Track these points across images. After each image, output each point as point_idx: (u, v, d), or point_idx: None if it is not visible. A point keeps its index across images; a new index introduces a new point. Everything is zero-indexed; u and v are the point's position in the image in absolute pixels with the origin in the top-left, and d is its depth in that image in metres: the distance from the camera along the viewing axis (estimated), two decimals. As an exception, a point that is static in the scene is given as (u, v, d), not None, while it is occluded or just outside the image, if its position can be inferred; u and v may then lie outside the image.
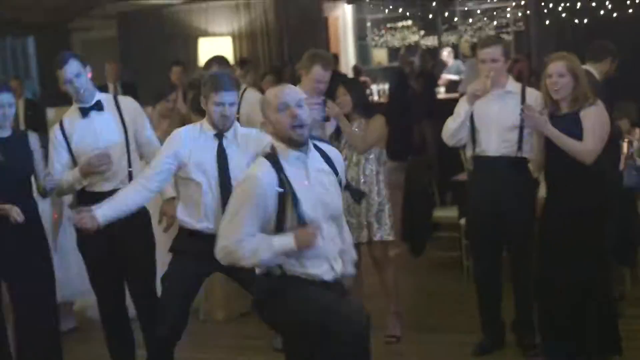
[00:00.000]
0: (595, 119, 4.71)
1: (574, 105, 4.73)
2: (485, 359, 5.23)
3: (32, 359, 4.91)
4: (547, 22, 11.88)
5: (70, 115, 4.92)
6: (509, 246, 5.30)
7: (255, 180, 3.58)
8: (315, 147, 3.72)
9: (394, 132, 5.84)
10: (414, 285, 6.87)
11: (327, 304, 3.59)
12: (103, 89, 5.98)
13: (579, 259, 4.73)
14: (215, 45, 12.84)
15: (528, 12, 13.19)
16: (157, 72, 11.34)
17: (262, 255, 3.56)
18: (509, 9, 16.09)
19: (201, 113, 6.04)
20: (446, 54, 15.33)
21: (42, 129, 7.24)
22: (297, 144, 3.59)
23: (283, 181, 3.55)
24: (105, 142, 4.83)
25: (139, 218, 4.83)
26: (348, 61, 16.16)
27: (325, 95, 5.53)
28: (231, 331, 6.17)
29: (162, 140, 5.24)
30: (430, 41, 17.09)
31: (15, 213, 4.60)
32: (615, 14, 11.37)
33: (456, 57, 15.62)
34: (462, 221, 6.69)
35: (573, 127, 4.69)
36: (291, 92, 3.65)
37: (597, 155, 4.70)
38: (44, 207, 5.50)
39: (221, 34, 13.51)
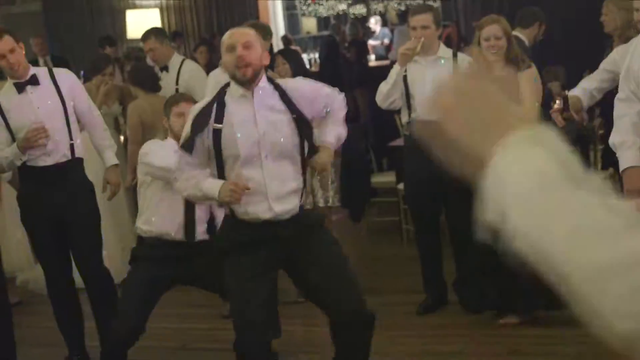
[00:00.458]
0: (530, 82, 4.86)
1: (507, 67, 4.87)
2: (429, 317, 5.39)
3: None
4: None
5: (6, 92, 4.86)
6: (447, 207, 5.44)
7: (194, 111, 3.74)
8: (276, 86, 3.76)
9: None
10: (354, 250, 6.96)
11: (237, 301, 3.77)
12: (33, 64, 5.91)
13: None
14: (143, 18, 12.69)
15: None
16: (86, 46, 11.23)
17: (190, 191, 3.74)
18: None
19: (140, 85, 6.06)
20: (374, 22, 15.43)
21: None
22: (242, 83, 3.67)
23: (220, 117, 3.64)
24: (43, 116, 4.79)
25: (82, 188, 4.85)
26: (277, 31, 16.12)
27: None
28: (177, 300, 6.16)
29: (102, 113, 5.25)
30: (359, 10, 17.15)
31: None
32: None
33: (384, 24, 15.73)
34: (400, 186, 6.81)
35: None
36: (239, 34, 3.72)
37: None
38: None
39: (149, 6, 13.38)
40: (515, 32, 5.62)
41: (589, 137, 6.24)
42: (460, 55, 5.27)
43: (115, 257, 6.07)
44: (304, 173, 3.78)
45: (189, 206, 4.40)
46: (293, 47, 14.13)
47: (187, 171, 3.73)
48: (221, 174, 3.69)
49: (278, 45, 13.69)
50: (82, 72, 6.65)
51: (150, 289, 4.51)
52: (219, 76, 5.57)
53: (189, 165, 3.72)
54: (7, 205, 6.15)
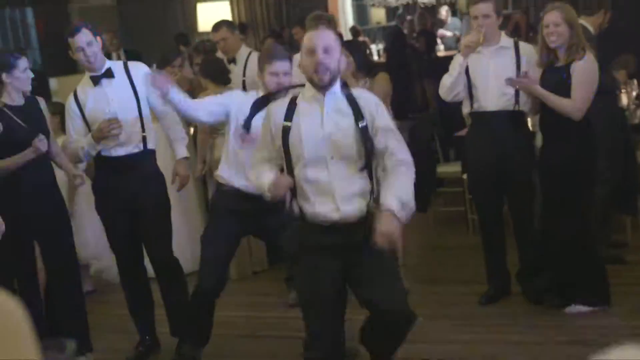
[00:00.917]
0: (583, 74, 4.83)
1: (569, 54, 4.85)
2: (491, 307, 5.42)
3: (62, 317, 5.10)
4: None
5: (83, 85, 5.05)
6: (510, 199, 5.45)
7: (269, 111, 3.83)
8: (349, 92, 3.75)
9: (393, 90, 5.95)
10: (420, 240, 7.02)
11: (308, 314, 3.86)
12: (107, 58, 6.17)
13: (566, 210, 4.93)
14: (213, 10, 12.85)
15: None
16: (157, 39, 11.45)
17: (257, 182, 3.81)
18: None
19: (210, 77, 6.18)
20: (444, 12, 15.35)
21: (47, 98, 7.37)
22: (317, 87, 3.68)
23: (290, 115, 3.70)
24: (117, 108, 4.96)
25: (154, 178, 5.02)
26: (346, 22, 16.15)
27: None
28: (244, 289, 6.34)
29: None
30: (428, -1, 17.07)
31: (40, 143, 4.72)
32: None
33: (454, 14, 15.63)
34: (466, 176, 6.82)
35: (568, 78, 4.84)
36: (320, 38, 3.68)
37: (584, 112, 4.85)
38: (59, 174, 5.65)
39: (219, -1, 13.54)
40: (579, 20, 5.59)
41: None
42: (522, 43, 5.27)
43: (184, 248, 6.20)
44: (369, 176, 3.70)
45: None
46: (361, 38, 14.21)
47: (258, 166, 3.83)
48: (290, 174, 3.73)
49: (347, 36, 13.76)
50: (154, 65, 6.83)
51: (229, 241, 4.73)
52: None
53: (261, 161, 3.83)
54: (83, 195, 6.34)
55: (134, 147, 4.99)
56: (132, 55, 10.06)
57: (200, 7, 13.22)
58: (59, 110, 5.77)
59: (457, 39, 14.29)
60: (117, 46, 10.55)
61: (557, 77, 4.84)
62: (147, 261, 5.27)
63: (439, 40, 13.89)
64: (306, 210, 3.72)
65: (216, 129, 6.23)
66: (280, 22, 13.39)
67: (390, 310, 3.79)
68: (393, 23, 15.18)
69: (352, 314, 4.02)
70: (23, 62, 4.81)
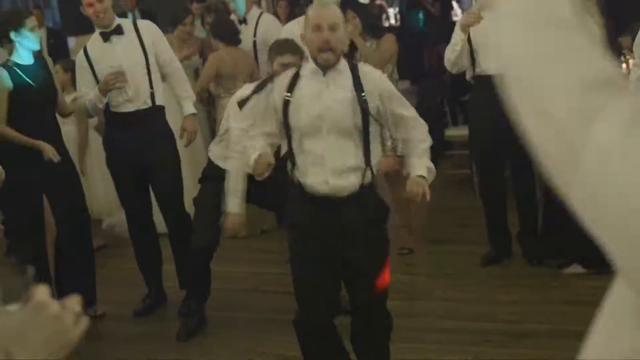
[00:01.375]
0: None
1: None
2: (491, 268, 5.53)
3: (71, 272, 5.23)
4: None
5: (93, 40, 5.16)
6: (511, 161, 5.53)
7: (274, 84, 3.89)
8: (353, 70, 3.75)
9: (406, 54, 6.03)
10: (427, 201, 7.06)
11: (297, 280, 3.86)
12: (122, 16, 6.27)
13: None
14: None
15: None
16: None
17: (244, 157, 3.87)
18: None
19: (221, 38, 6.25)
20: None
21: (65, 57, 7.48)
22: (321, 67, 3.70)
23: (291, 88, 3.74)
24: (125, 64, 5.06)
25: (163, 134, 5.13)
26: (364, -15, 16.13)
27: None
28: (253, 246, 6.48)
29: (183, 64, 5.47)
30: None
31: (51, 153, 4.82)
32: None
33: (472, -21, 15.52)
34: (472, 139, 6.88)
35: None
36: (327, 14, 3.66)
37: None
38: (69, 129, 5.77)
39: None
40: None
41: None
42: None
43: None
44: (366, 155, 3.72)
45: None
46: (378, 1, 14.17)
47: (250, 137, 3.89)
48: (289, 145, 3.78)
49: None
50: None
51: (220, 202, 4.80)
52: (292, 30, 5.73)
53: (260, 135, 3.85)
54: (94, 152, 6.46)
55: (142, 103, 5.10)
56: (146, 14, 10.12)
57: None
58: (70, 67, 5.87)
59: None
60: (132, 5, 10.59)
61: None
62: (156, 216, 5.40)
63: (455, 5, 13.84)
64: (300, 180, 3.77)
65: (226, 89, 6.34)
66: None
67: (367, 313, 3.89)
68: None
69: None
70: (31, 21, 4.90)
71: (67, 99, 5.47)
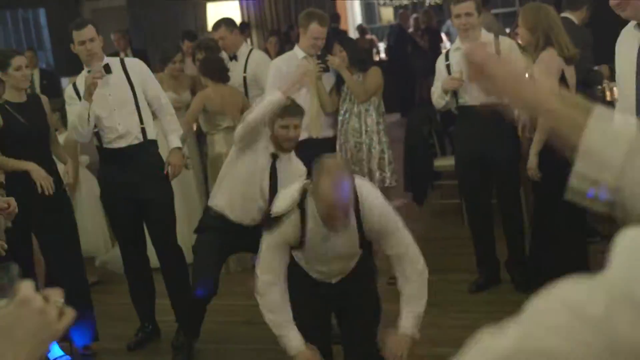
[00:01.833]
0: (545, 65, 4.93)
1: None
2: (480, 294, 5.60)
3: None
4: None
5: (81, 79, 5.23)
6: (497, 190, 5.62)
7: (281, 231, 3.85)
8: (357, 211, 3.83)
9: (394, 86, 6.14)
10: (416, 231, 7.02)
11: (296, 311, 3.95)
12: (114, 56, 6.45)
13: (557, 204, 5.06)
14: (223, 9, 13.06)
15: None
16: (167, 38, 11.61)
17: (280, 339, 3.98)
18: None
19: (210, 76, 6.36)
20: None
21: (58, 97, 7.58)
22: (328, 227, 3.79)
23: (301, 235, 3.84)
24: (114, 101, 5.17)
25: (156, 168, 5.23)
26: (354, 20, 16.32)
27: (324, 51, 5.86)
28: (244, 279, 6.49)
29: (172, 100, 5.58)
30: (435, -2, 17.16)
31: (48, 184, 4.86)
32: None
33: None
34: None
35: None
36: (339, 196, 3.58)
37: None
38: (61, 168, 5.83)
39: (229, -2, 13.73)
40: (564, 14, 5.74)
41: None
42: (501, 37, 5.45)
43: (185, 237, 6.36)
44: (361, 246, 3.94)
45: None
46: (368, 36, 14.36)
47: (270, 294, 3.93)
48: (293, 261, 3.98)
49: (354, 35, 13.91)
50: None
51: (220, 253, 4.93)
52: (279, 66, 5.84)
53: (270, 284, 3.91)
54: (86, 190, 6.54)
55: (134, 139, 5.20)
56: (138, 54, 10.26)
57: (209, 6, 13.42)
58: (58, 107, 5.98)
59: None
60: (124, 45, 10.74)
61: None
62: (150, 253, 5.48)
63: (444, 37, 14.01)
64: (304, 267, 4.04)
65: (215, 125, 6.44)
66: (289, 21, 13.55)
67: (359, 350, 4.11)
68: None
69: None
70: (17, 61, 5.00)
71: (60, 138, 5.56)
